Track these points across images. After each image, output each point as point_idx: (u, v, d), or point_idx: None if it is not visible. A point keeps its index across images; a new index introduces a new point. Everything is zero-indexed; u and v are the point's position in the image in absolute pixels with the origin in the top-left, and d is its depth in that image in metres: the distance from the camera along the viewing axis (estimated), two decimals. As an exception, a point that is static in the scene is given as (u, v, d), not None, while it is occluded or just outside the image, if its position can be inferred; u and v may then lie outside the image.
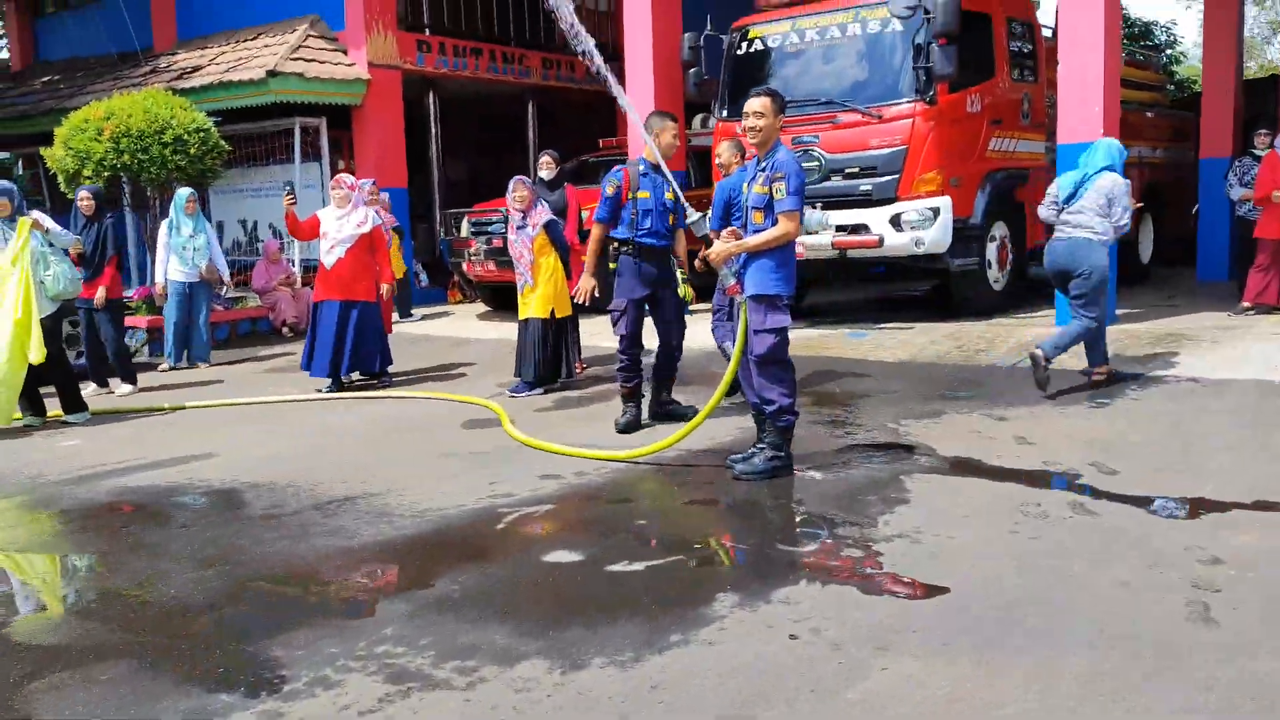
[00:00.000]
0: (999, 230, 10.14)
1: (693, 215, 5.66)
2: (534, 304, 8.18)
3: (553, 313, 8.12)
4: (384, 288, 8.89)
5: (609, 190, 6.52)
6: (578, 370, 8.88)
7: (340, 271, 8.56)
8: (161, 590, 4.13)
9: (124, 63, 15.30)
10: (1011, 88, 10.24)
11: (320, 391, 8.57)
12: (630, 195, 6.50)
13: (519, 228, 8.23)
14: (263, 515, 5.11)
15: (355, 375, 8.97)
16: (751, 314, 5.42)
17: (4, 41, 20.70)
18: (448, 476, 5.72)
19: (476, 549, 4.52)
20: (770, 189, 5.32)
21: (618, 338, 6.64)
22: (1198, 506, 4.68)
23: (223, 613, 3.89)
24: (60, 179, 11.46)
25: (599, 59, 5.51)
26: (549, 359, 8.17)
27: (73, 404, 7.87)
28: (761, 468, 5.42)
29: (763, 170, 5.39)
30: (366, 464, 6.11)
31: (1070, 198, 7.15)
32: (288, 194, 8.49)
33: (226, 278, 11.00)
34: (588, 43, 5.49)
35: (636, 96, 11.54)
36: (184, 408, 8.22)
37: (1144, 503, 4.74)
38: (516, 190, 8.19)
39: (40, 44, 18.61)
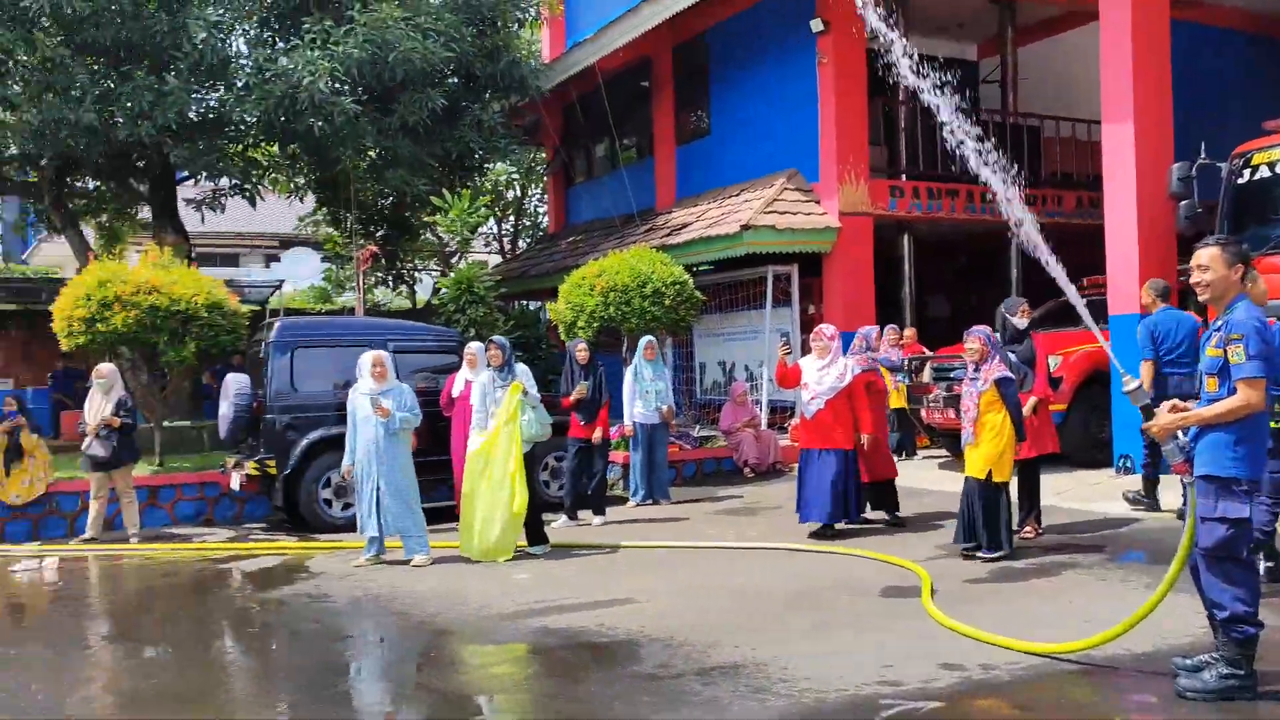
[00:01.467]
0: None
1: (1130, 383, 4.93)
2: (973, 462, 7.62)
3: (990, 475, 7.47)
4: (864, 437, 8.82)
5: None
6: (1030, 534, 8.11)
7: (820, 421, 8.68)
8: (526, 745, 4.29)
9: (627, 223, 17.11)
10: None
11: (811, 535, 8.68)
12: None
13: (971, 379, 7.78)
14: (648, 674, 5.15)
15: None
16: (1200, 498, 4.56)
17: (546, 208, 24.19)
18: (843, 652, 5.39)
19: (838, 746, 4.16)
20: (1225, 352, 4.50)
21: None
22: None
23: (570, 779, 3.93)
24: (560, 329, 12.95)
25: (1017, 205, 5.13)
26: (986, 523, 7.48)
27: (536, 537, 8.66)
28: (1212, 686, 4.46)
29: (1218, 330, 4.59)
30: (768, 626, 5.98)
31: None
32: (782, 343, 8.87)
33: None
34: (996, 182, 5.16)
35: (1118, 229, 10.62)
36: (619, 547, 8.69)
37: None
38: (970, 342, 7.75)
39: (570, 209, 21.49)
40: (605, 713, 4.62)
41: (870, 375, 9.18)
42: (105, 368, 10.36)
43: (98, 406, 10.06)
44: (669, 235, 15.10)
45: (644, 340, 11.13)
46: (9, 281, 19.38)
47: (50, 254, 26.55)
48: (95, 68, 12.81)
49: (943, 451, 12.94)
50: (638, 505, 10.96)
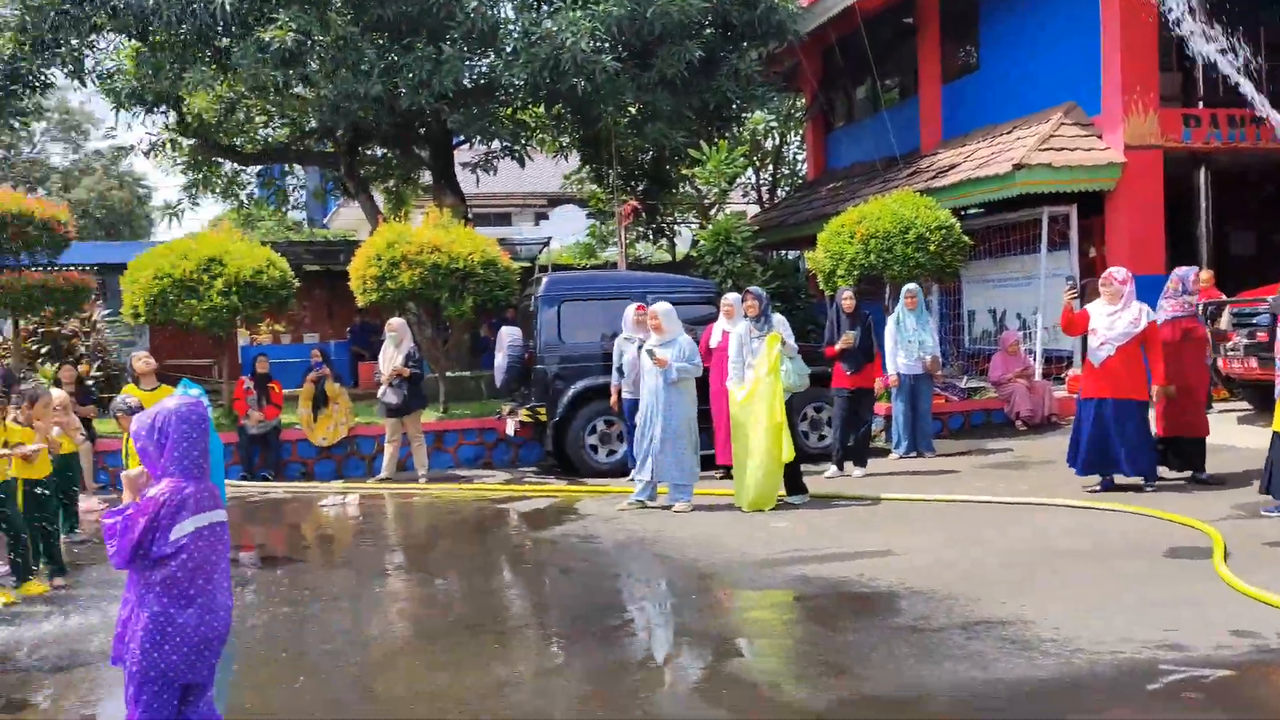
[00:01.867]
0: None
1: None
2: (1281, 416, 6.91)
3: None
4: (1154, 389, 8.21)
5: None
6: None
7: (1109, 369, 8.14)
8: (783, 690, 4.33)
9: (890, 167, 16.59)
10: None
11: (1088, 490, 8.23)
12: None
13: (1288, 324, 7.04)
14: (908, 626, 5.07)
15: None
16: None
17: (804, 154, 23.84)
18: (1120, 613, 5.08)
19: (1105, 714, 3.94)
20: None
21: None
22: None
23: (826, 725, 3.95)
24: (819, 278, 12.79)
25: None
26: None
27: (795, 486, 8.66)
28: None
29: None
30: (1038, 584, 5.72)
31: None
32: (1069, 288, 8.47)
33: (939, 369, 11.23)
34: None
35: None
36: (881, 499, 8.53)
37: None
38: None
39: (829, 155, 21.07)
40: (863, 663, 4.59)
41: (1189, 323, 8.46)
42: (396, 322, 11.24)
43: (390, 358, 10.94)
44: (934, 178, 14.53)
45: (906, 288, 10.80)
46: (312, 245, 21.27)
47: (347, 218, 28.93)
48: (380, 42, 13.75)
49: (1243, 404, 11.81)
50: (901, 457, 10.73)
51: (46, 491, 7.09)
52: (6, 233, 11.86)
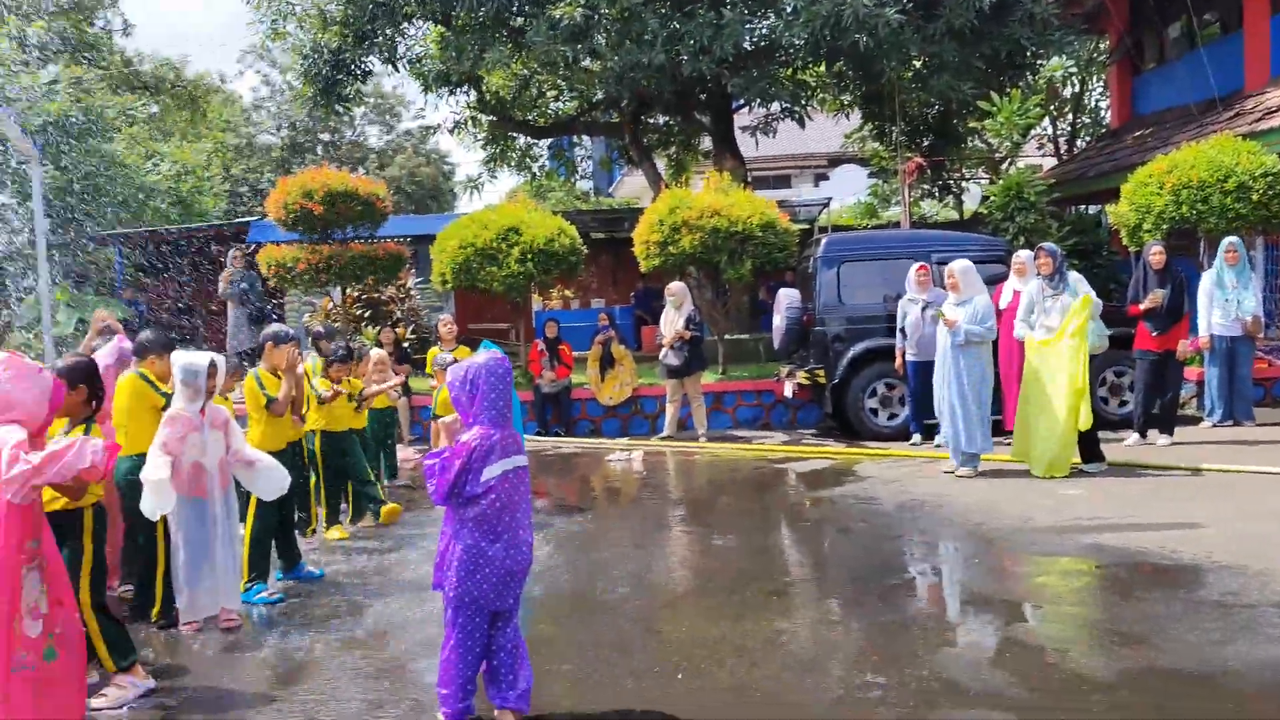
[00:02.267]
0: None
1: None
2: None
3: None
4: None
5: None
6: None
7: None
8: (1072, 657, 4.18)
9: (1206, 111, 15.12)
10: None
11: None
12: None
13: None
14: (1214, 601, 4.74)
15: None
16: None
17: (1107, 100, 22.15)
18: None
19: None
20: None
21: None
22: None
23: (1119, 696, 3.78)
24: (1122, 233, 11.92)
25: None
26: None
27: (1091, 454, 8.20)
28: None
29: None
30: (1374, 566, 5.16)
31: None
32: None
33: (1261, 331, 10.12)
34: None
35: None
36: (1200, 470, 7.90)
37: None
38: None
39: (1136, 100, 19.43)
40: (1161, 635, 4.35)
41: None
42: (676, 286, 11.56)
43: (671, 321, 11.28)
44: (1259, 120, 13.12)
45: (1226, 242, 9.88)
46: (599, 213, 22.11)
47: (631, 186, 29.85)
48: (663, 12, 14.06)
49: None
50: (1214, 426, 9.89)
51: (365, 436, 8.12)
52: (335, 209, 13.21)
